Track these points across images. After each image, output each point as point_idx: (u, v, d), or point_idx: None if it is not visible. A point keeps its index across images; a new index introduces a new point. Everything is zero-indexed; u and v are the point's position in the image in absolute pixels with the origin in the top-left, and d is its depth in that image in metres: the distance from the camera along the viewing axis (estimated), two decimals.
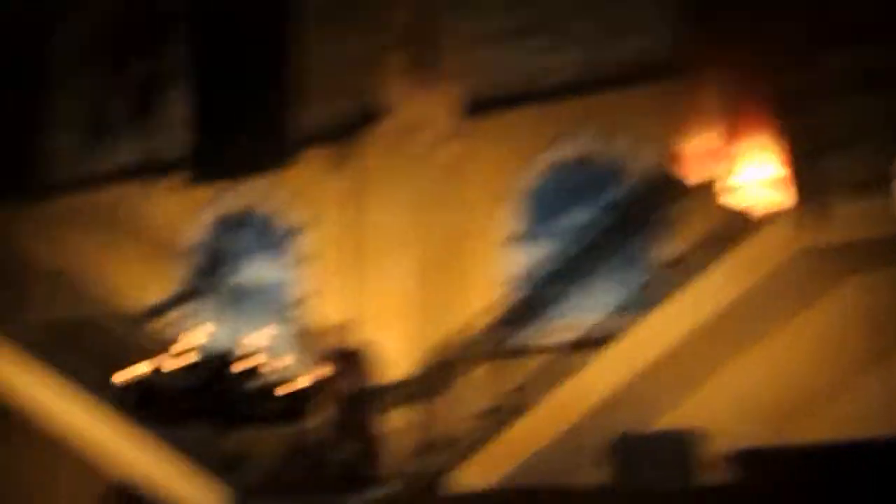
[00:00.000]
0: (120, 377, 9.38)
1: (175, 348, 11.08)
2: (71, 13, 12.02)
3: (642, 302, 10.86)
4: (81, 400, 12.02)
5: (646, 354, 10.59)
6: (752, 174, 10.47)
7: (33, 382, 12.21)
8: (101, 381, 11.58)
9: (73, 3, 12.18)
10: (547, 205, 12.44)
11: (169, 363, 9.66)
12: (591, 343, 10.90)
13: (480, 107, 12.45)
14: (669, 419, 10.68)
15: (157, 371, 9.45)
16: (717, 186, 10.55)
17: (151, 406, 9.49)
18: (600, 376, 10.66)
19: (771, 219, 10.39)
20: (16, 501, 12.42)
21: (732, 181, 10.47)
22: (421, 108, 12.28)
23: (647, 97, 11.62)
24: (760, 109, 10.33)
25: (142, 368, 9.50)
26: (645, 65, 11.70)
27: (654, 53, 11.59)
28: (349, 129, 12.76)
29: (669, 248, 11.32)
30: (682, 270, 10.74)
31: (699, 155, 10.56)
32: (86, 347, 12.26)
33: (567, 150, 12.50)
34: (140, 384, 9.38)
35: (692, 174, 10.69)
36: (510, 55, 12.31)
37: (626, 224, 11.40)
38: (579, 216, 12.14)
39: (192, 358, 9.45)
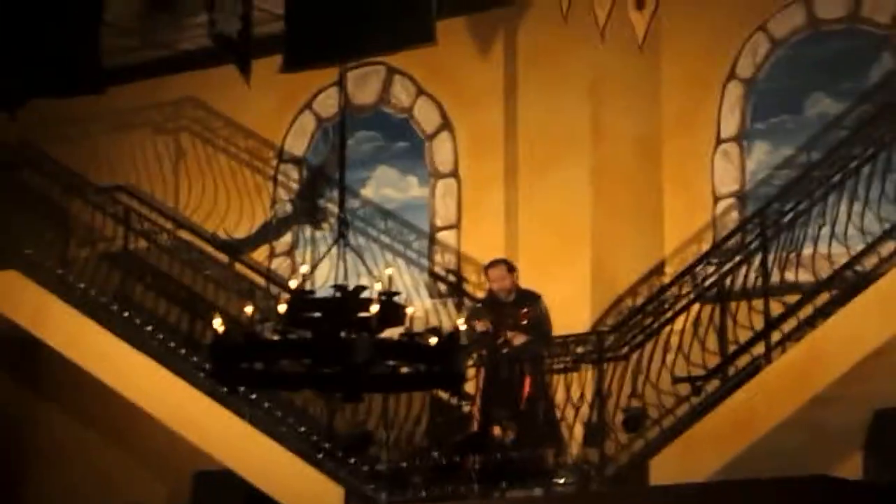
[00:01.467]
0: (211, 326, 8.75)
1: (273, 290, 11.63)
2: None
3: None
4: (151, 357, 11.82)
5: None
6: None
7: (88, 333, 12.04)
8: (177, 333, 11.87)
9: None
10: (775, 93, 11.70)
11: (266, 310, 9.45)
12: (840, 285, 10.06)
13: None
14: None
15: (249, 321, 8.66)
16: None
17: (241, 367, 8.65)
18: (852, 331, 9.75)
19: None
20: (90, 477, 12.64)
21: None
22: None
23: None
24: None
25: (231, 317, 9.01)
26: None
27: None
28: None
29: None
30: None
31: None
32: (161, 287, 12.35)
33: (806, 15, 11.64)
34: (226, 338, 8.57)
35: None
36: None
37: (892, 118, 10.40)
38: (822, 108, 11.41)
39: (297, 303, 8.59)
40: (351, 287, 8.60)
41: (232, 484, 11.39)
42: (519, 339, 10.90)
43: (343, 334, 8.50)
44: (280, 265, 12.73)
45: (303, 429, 11.15)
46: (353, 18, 10.99)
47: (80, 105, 12.54)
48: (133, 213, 12.71)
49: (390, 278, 8.82)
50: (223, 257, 12.66)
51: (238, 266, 12.61)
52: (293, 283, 8.90)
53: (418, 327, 8.86)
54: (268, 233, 12.93)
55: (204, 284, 12.40)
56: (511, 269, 11.11)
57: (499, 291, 11.00)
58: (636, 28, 11.49)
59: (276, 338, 8.59)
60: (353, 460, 11.01)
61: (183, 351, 11.72)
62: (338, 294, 8.52)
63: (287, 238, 12.95)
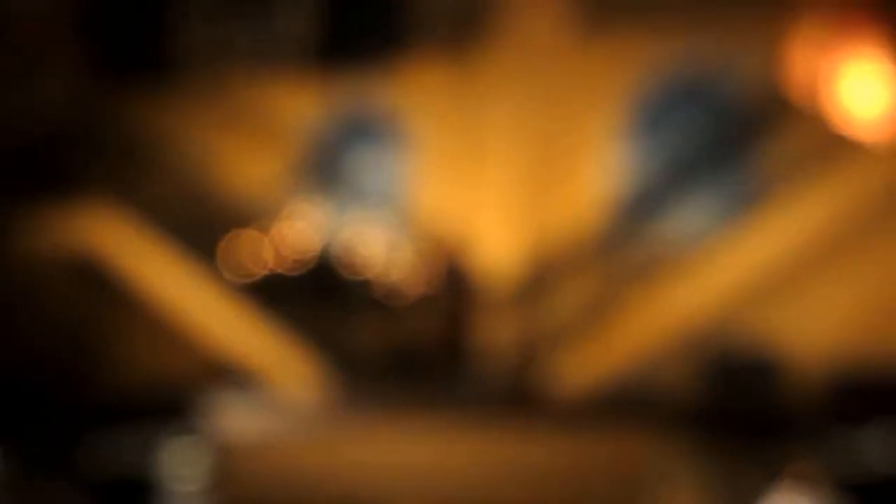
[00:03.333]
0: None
1: (286, 238, 11.78)
2: None
3: (744, 212, 11.12)
4: (195, 273, 12.53)
5: (744, 267, 10.90)
6: (864, 91, 10.52)
7: (154, 258, 12.72)
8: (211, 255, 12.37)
9: None
10: (655, 107, 12.31)
11: (280, 251, 10.05)
12: (689, 253, 11.15)
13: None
14: (761, 340, 11.00)
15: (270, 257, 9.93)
16: (825, 101, 10.69)
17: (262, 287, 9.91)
18: (697, 289, 10.99)
19: (879, 140, 10.47)
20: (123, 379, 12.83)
21: (842, 96, 10.57)
22: None
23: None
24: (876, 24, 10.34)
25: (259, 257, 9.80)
26: None
27: None
28: (469, 16, 12.53)
29: (771, 161, 11.35)
30: (781, 184, 10.97)
31: (808, 67, 10.68)
32: (200, 225, 12.71)
33: (680, 54, 12.23)
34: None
35: (800, 87, 10.83)
36: None
37: (731, 135, 11.46)
38: (686, 120, 12.11)
39: (301, 249, 9.89)
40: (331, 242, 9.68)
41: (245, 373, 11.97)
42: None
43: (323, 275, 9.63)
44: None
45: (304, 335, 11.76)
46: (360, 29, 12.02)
47: (152, 84, 13.01)
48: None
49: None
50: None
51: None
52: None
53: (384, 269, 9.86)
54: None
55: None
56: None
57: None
58: None
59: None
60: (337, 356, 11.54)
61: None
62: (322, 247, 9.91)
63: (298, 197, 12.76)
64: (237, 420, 10.79)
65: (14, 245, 12.60)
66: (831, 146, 10.67)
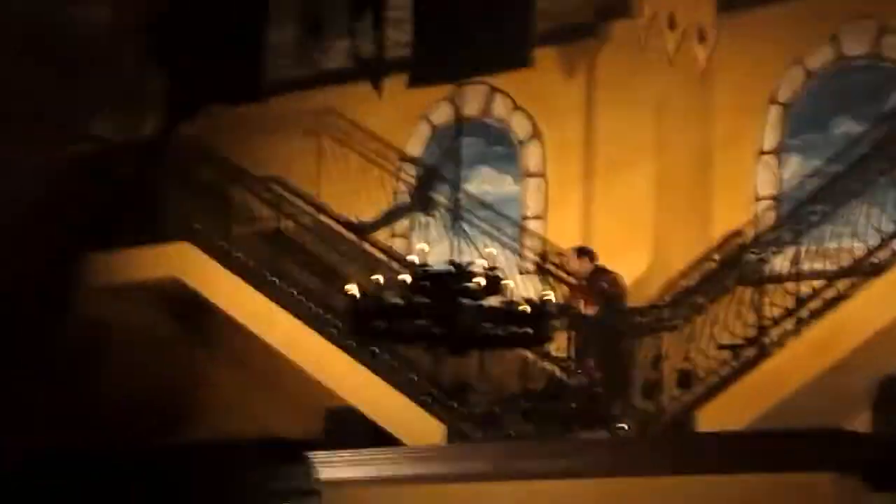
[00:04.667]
0: (343, 291, 9.34)
1: (396, 264, 11.81)
2: None
3: None
4: (295, 315, 12.48)
5: None
6: None
7: (246, 295, 12.70)
8: (316, 296, 12.46)
9: None
10: (807, 115, 12.15)
11: (390, 280, 9.58)
12: (858, 273, 10.59)
13: (732, 2, 12.08)
14: None
15: (377, 288, 9.35)
16: None
17: (370, 324, 9.35)
18: (867, 311, 10.34)
19: None
20: (224, 419, 13.01)
21: None
22: (662, 5, 11.75)
23: None
24: None
25: (361, 285, 9.45)
26: None
27: None
28: (583, 26, 12.69)
29: None
30: None
31: None
32: (301, 260, 12.97)
33: (835, 51, 12.11)
34: (360, 301, 9.27)
35: None
36: None
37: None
38: (846, 128, 11.86)
39: (415, 275, 9.22)
40: (461, 262, 9.25)
41: (356, 420, 11.84)
42: (590, 310, 11.38)
43: (443, 304, 8.99)
44: (398, 245, 13.20)
45: (414, 377, 11.73)
46: (464, 46, 11.75)
47: (245, 112, 13.13)
48: (283, 200, 13.19)
49: (493, 256, 9.40)
50: (353, 237, 13.09)
51: (365, 244, 12.99)
52: (413, 258, 9.30)
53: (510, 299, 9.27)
54: (389, 218, 13.35)
55: (338, 259, 12.88)
56: (582, 254, 11.64)
57: (575, 272, 11.72)
58: (698, 58, 11.66)
59: (400, 302, 9.15)
60: (454, 404, 11.53)
61: (320, 311, 12.29)
62: (451, 268, 9.20)
63: (405, 223, 13.49)
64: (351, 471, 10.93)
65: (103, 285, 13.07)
66: None
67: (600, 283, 11.45)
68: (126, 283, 13.09)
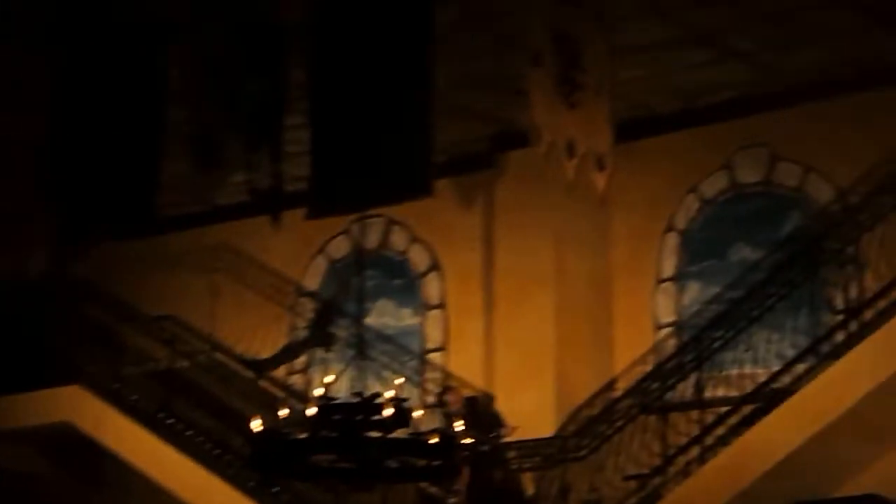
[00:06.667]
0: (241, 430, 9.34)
1: (297, 399, 11.53)
2: (184, 35, 11.69)
3: (820, 353, 10.58)
4: (191, 457, 12.23)
5: (825, 412, 10.18)
6: None
7: (139, 437, 12.46)
8: (212, 436, 12.20)
9: (186, 26, 11.92)
10: (704, 242, 12.30)
11: (292, 414, 9.30)
12: (761, 399, 10.56)
13: (628, 131, 11.90)
14: (853, 485, 10.41)
15: (280, 422, 9.08)
16: None
17: (274, 460, 9.14)
18: (773, 436, 10.32)
19: None
20: None
21: None
22: (561, 134, 11.39)
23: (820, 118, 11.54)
24: None
25: (263, 420, 9.14)
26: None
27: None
28: (481, 156, 12.74)
29: (851, 290, 10.97)
30: (866, 316, 10.42)
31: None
32: (196, 400, 12.75)
33: (729, 179, 12.28)
34: (262, 437, 9.01)
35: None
36: (663, 70, 11.89)
37: (801, 263, 10.98)
38: (743, 255, 11.99)
39: (317, 409, 8.95)
40: (366, 395, 8.95)
41: None
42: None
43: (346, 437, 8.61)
44: (297, 381, 13.05)
45: None
46: (362, 176, 11.32)
47: (135, 249, 12.98)
48: (177, 339, 12.99)
49: (400, 387, 9.18)
50: (250, 374, 12.93)
51: (263, 381, 12.80)
52: (318, 392, 9.03)
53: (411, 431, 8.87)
54: (287, 354, 13.20)
55: (235, 397, 12.54)
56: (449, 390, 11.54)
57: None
58: (597, 186, 11.27)
59: (305, 436, 8.78)
60: None
61: (217, 451, 12.05)
62: (357, 400, 8.88)
63: (302, 358, 13.30)
64: None
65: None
66: None
67: (443, 400, 11.34)
68: (13, 430, 12.83)
